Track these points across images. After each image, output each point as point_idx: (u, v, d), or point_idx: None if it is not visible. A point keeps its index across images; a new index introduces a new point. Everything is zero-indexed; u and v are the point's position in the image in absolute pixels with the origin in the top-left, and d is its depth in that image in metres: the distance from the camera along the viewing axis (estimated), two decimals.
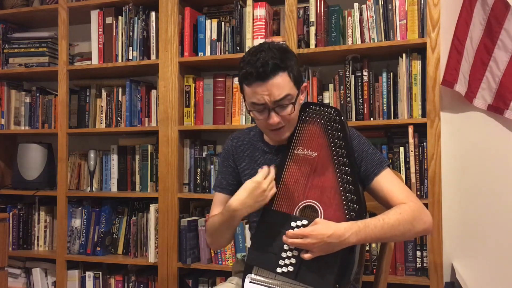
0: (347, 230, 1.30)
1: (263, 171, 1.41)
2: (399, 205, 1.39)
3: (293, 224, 1.37)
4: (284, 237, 1.34)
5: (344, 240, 1.30)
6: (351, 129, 1.49)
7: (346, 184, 1.38)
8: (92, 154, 2.69)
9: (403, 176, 2.11)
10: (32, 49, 2.78)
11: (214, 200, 1.64)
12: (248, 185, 1.40)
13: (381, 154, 1.52)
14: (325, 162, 1.41)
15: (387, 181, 1.44)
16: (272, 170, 1.42)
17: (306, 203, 1.40)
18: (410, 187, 2.06)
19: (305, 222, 1.36)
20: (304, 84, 1.51)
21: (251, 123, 2.35)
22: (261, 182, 1.39)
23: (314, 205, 1.39)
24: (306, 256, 1.31)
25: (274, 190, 1.42)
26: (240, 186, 1.58)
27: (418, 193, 2.11)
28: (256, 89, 1.39)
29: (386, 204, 1.43)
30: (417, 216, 1.37)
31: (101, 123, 2.68)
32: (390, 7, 2.17)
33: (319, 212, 1.38)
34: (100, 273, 2.62)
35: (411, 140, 2.12)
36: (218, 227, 1.51)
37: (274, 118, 1.41)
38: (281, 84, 1.39)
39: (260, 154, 1.56)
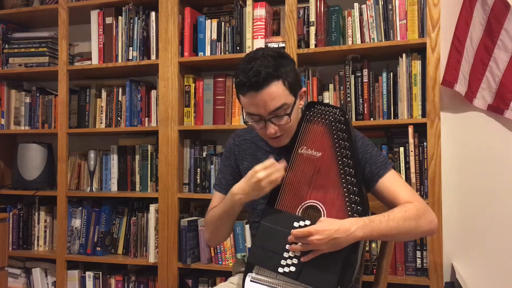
0: (353, 224, 1.30)
1: (266, 162, 1.39)
2: (404, 204, 1.39)
3: (295, 224, 1.36)
4: (289, 237, 1.34)
5: (350, 234, 1.29)
6: (354, 130, 1.49)
7: (350, 185, 1.37)
8: (92, 154, 2.69)
9: (403, 176, 2.11)
10: (32, 49, 2.77)
11: (213, 198, 1.64)
12: (248, 173, 1.41)
13: (385, 155, 1.52)
14: (329, 162, 1.41)
15: (392, 182, 1.44)
16: (278, 163, 1.39)
17: (309, 204, 1.40)
18: None
19: (308, 222, 1.35)
20: (303, 89, 1.49)
21: None
22: (257, 172, 1.38)
23: (317, 205, 1.39)
24: (306, 257, 1.32)
25: (274, 182, 1.38)
26: None
27: (418, 193, 2.11)
28: (251, 100, 1.38)
29: (391, 205, 1.43)
30: (422, 215, 1.37)
31: (101, 123, 2.68)
32: (390, 7, 2.17)
33: (322, 212, 1.38)
34: (100, 273, 2.62)
35: (411, 140, 2.13)
36: (218, 217, 1.51)
37: (271, 129, 1.41)
38: (275, 93, 1.37)
39: (262, 154, 1.55)
